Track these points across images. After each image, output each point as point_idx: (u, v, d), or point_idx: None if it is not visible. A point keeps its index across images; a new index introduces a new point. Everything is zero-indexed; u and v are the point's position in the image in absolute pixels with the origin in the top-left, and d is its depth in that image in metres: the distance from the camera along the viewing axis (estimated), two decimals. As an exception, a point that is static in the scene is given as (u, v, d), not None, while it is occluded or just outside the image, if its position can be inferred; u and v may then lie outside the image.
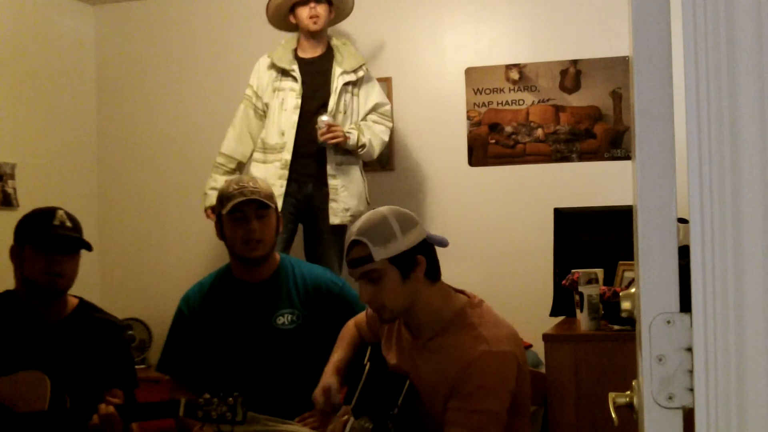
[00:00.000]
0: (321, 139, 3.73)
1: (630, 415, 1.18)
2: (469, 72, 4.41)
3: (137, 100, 4.87)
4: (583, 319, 2.86)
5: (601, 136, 4.25)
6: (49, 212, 2.61)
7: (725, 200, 0.94)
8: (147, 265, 4.81)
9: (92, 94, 4.90)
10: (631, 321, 1.27)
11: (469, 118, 4.40)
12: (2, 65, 4.26)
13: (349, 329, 2.62)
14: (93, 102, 4.90)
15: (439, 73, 4.46)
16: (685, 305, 0.97)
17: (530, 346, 3.53)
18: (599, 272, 3.03)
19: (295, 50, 3.97)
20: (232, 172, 3.95)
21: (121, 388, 2.64)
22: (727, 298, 0.94)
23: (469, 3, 4.42)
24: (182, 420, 2.61)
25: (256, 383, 2.67)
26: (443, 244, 2.29)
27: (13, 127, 4.32)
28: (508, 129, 4.36)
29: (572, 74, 4.28)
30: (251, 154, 3.96)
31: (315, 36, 3.93)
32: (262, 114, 3.95)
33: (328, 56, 3.97)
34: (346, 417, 2.21)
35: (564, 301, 3.21)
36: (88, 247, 2.62)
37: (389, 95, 4.44)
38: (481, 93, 4.39)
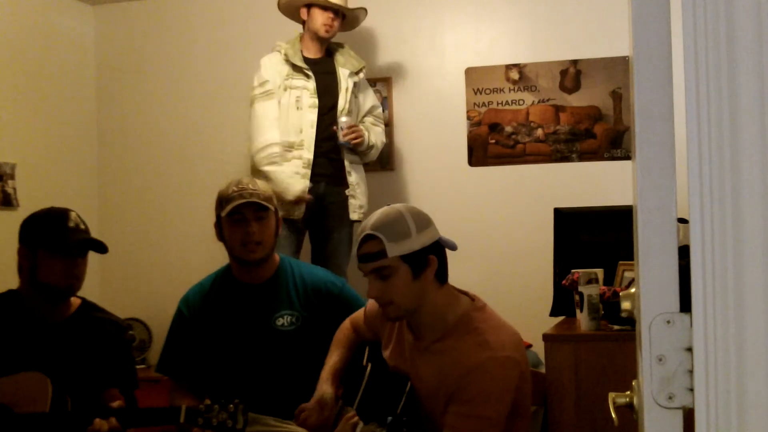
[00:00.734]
0: (344, 139, 3.80)
1: (630, 415, 1.18)
2: (469, 72, 4.40)
3: (137, 100, 4.87)
4: (583, 319, 2.86)
5: (601, 136, 4.25)
6: (62, 214, 2.60)
7: (725, 200, 0.94)
8: (147, 265, 4.81)
9: (92, 94, 4.90)
10: (631, 321, 1.27)
11: (469, 118, 4.40)
12: (2, 65, 4.26)
13: (344, 330, 2.60)
14: (93, 102, 4.90)
15: (439, 73, 4.46)
16: (685, 305, 0.97)
17: (530, 346, 3.52)
18: (599, 272, 3.03)
19: (301, 50, 3.98)
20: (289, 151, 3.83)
21: (122, 389, 2.63)
22: (727, 298, 0.94)
23: (469, 3, 4.42)
24: (184, 427, 2.61)
25: (256, 384, 2.67)
26: (453, 247, 2.28)
27: (13, 127, 4.32)
28: (508, 129, 4.36)
29: (572, 74, 4.28)
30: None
31: (320, 40, 3.97)
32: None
33: (330, 58, 4.01)
34: (354, 419, 2.19)
35: (564, 301, 3.21)
36: (103, 249, 2.63)
37: (389, 95, 4.45)
38: (481, 93, 4.39)
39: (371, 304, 2.47)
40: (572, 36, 4.31)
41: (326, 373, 2.47)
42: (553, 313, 3.32)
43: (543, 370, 2.87)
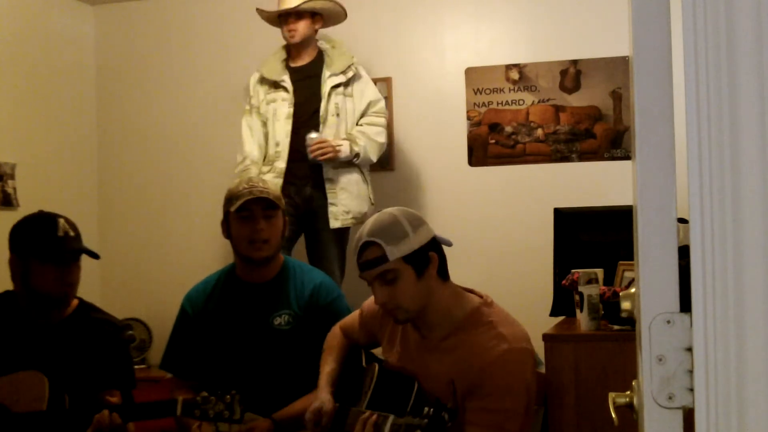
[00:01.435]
0: (310, 156, 3.79)
1: (630, 415, 1.18)
2: (469, 72, 4.40)
3: (137, 100, 4.87)
4: (583, 319, 2.86)
5: (601, 136, 4.25)
6: (50, 222, 2.57)
7: (725, 200, 0.94)
8: (147, 265, 4.81)
9: (92, 94, 4.90)
10: (631, 321, 1.27)
11: (469, 118, 4.40)
12: (2, 65, 4.26)
13: (336, 336, 2.59)
14: (93, 102, 4.90)
15: (439, 73, 4.46)
16: (685, 305, 0.97)
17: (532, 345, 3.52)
18: (599, 272, 3.03)
19: (287, 59, 4.01)
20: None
21: (119, 389, 2.63)
22: (727, 298, 0.94)
23: (469, 3, 4.42)
24: (182, 419, 2.61)
25: (254, 382, 2.68)
26: (448, 243, 2.29)
27: (13, 127, 4.32)
28: (508, 129, 4.36)
29: (572, 74, 4.28)
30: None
31: (299, 45, 3.98)
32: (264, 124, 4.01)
33: (319, 61, 4.01)
34: (374, 418, 2.16)
35: (564, 301, 3.21)
36: (95, 256, 2.62)
37: (389, 95, 4.45)
38: (481, 93, 4.39)
39: (368, 307, 2.47)
40: (572, 36, 4.31)
41: (323, 380, 2.46)
42: (553, 313, 3.32)
43: (543, 370, 2.87)
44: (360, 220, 3.87)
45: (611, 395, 1.20)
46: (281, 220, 2.78)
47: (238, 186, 2.77)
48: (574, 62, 4.28)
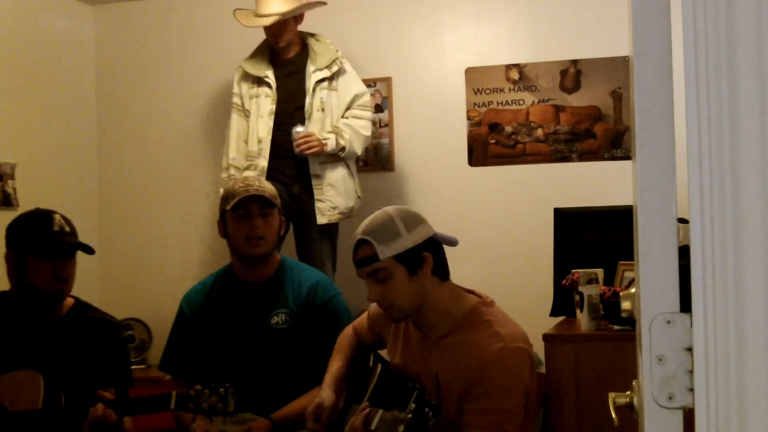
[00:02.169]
0: (296, 150, 3.77)
1: (630, 415, 1.18)
2: (469, 72, 4.40)
3: (137, 100, 4.87)
4: (583, 319, 2.86)
5: (601, 136, 4.25)
6: (45, 218, 2.59)
7: (725, 200, 0.94)
8: (147, 265, 4.81)
9: (92, 94, 4.90)
10: (631, 321, 1.27)
11: (469, 118, 4.40)
12: (2, 65, 4.26)
13: (347, 336, 2.61)
14: (93, 102, 4.90)
15: (439, 73, 4.46)
16: (685, 305, 0.97)
17: (530, 346, 3.52)
18: (599, 272, 3.03)
19: (270, 54, 4.01)
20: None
21: (116, 387, 2.63)
22: (727, 298, 0.94)
23: (469, 3, 4.42)
24: (179, 416, 2.62)
25: (252, 381, 2.68)
26: (452, 243, 2.30)
27: (13, 127, 4.31)
28: (508, 129, 4.36)
29: (572, 74, 4.28)
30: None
31: (287, 45, 3.98)
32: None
33: (303, 55, 3.99)
34: (367, 410, 2.19)
35: (564, 301, 3.21)
36: (90, 251, 2.62)
37: (389, 95, 4.45)
38: (481, 93, 4.38)
39: (374, 307, 2.49)
40: (572, 36, 4.31)
41: (329, 378, 2.49)
42: (553, 313, 3.32)
43: (543, 370, 2.87)
44: (347, 215, 3.88)
45: (611, 395, 1.20)
46: (277, 218, 2.80)
47: (234, 185, 2.79)
48: (574, 62, 4.28)
